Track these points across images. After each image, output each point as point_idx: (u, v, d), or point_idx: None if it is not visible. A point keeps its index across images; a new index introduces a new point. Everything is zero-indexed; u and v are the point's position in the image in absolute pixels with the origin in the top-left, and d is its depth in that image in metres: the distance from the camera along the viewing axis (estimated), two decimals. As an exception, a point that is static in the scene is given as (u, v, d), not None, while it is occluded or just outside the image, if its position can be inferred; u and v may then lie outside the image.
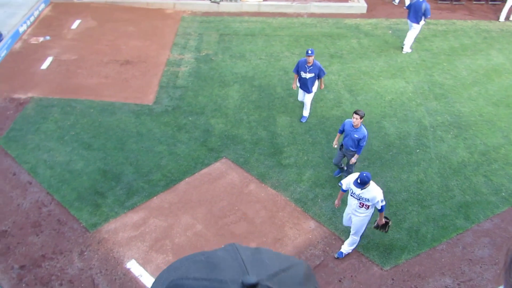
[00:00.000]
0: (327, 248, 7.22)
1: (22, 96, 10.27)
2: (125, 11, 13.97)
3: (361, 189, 6.18)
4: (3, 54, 11.52)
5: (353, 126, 7.47)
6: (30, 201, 7.81)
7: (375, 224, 6.82)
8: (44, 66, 11.34)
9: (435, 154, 9.14)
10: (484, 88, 11.30)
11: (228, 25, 13.64)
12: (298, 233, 7.46)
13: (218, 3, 14.36)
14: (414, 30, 12.17)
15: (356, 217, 6.56)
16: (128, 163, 8.60)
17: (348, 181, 6.47)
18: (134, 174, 8.37)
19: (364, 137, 7.49)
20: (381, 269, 6.99)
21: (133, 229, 7.40)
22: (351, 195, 6.44)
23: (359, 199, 6.32)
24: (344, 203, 7.01)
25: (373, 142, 9.31)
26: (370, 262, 7.06)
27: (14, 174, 8.31)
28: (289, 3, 14.54)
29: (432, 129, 9.81)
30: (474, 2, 15.97)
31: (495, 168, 8.87)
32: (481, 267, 7.09)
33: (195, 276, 0.98)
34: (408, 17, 12.14)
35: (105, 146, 8.96)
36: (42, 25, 13.17)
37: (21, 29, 12.48)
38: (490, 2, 15.97)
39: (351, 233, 6.87)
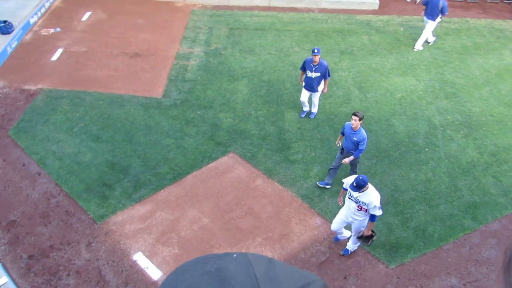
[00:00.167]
0: (333, 245, 7.22)
1: (32, 87, 10.34)
2: (135, 3, 13.98)
3: (358, 192, 6.09)
4: (14, 45, 11.60)
5: (352, 129, 7.30)
6: (38, 191, 7.89)
7: (360, 233, 6.58)
8: (54, 57, 11.40)
9: (444, 154, 9.06)
10: (496, 88, 11.15)
11: (238, 19, 13.59)
12: (304, 229, 7.45)
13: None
14: (429, 26, 12.01)
15: (356, 221, 6.49)
16: (136, 155, 8.64)
17: (348, 181, 6.41)
18: (142, 167, 8.41)
19: (363, 140, 7.30)
20: (387, 267, 6.97)
21: (140, 222, 7.45)
22: (349, 198, 6.35)
23: (357, 202, 6.25)
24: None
25: (381, 140, 9.25)
26: (375, 260, 7.05)
27: (24, 165, 8.39)
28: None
29: (442, 128, 9.72)
30: (489, 1, 15.63)
31: (504, 169, 8.77)
32: (487, 268, 7.04)
33: None
34: (425, 14, 11.98)
35: (114, 139, 9.01)
36: (53, 16, 13.23)
37: (32, 20, 12.54)
38: (505, 1, 15.62)
39: (352, 234, 6.84)
